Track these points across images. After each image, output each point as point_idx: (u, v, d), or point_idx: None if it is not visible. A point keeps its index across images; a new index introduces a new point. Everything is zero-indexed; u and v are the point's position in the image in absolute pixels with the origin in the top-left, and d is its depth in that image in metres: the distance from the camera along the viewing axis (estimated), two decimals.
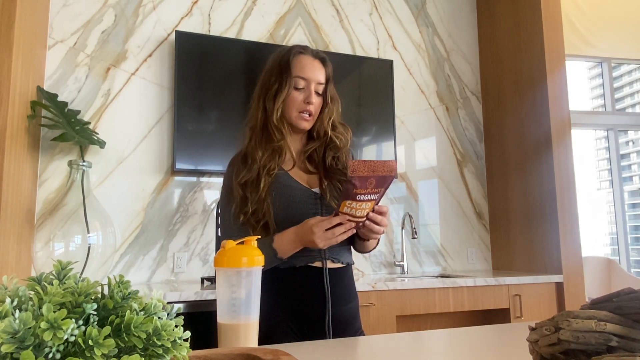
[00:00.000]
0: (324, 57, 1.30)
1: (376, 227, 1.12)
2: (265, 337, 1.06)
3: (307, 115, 1.25)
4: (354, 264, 1.31)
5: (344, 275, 1.25)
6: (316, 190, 1.24)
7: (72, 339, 0.37)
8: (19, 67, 1.91)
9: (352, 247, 1.32)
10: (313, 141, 1.31)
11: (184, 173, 2.42)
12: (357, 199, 1.05)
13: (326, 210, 1.22)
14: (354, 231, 1.10)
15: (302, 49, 1.29)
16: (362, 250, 1.31)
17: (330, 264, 1.21)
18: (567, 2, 3.30)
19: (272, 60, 1.30)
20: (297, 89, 1.25)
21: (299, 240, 1.13)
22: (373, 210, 1.10)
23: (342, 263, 1.25)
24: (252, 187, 1.19)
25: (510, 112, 2.93)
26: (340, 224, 1.08)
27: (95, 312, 0.41)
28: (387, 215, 1.15)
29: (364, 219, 1.09)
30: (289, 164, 1.26)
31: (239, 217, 1.18)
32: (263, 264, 0.84)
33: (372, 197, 1.06)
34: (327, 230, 1.08)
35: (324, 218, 1.10)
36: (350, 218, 1.08)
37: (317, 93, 1.27)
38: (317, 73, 1.26)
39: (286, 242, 1.14)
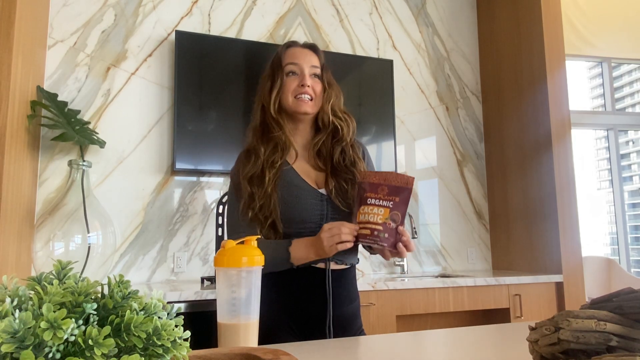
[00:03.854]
0: (314, 45, 1.31)
1: (402, 248, 1.08)
2: (266, 336, 1.06)
3: (306, 98, 1.23)
4: (358, 262, 1.31)
5: (347, 277, 1.24)
6: (323, 190, 1.22)
7: (72, 338, 0.37)
8: (19, 67, 1.91)
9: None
10: (320, 133, 1.29)
11: (184, 173, 2.42)
12: (368, 202, 1.06)
13: (332, 211, 1.21)
14: (351, 244, 1.08)
15: (290, 43, 1.31)
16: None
17: (333, 266, 1.20)
18: (567, 2, 3.29)
19: (268, 63, 1.32)
20: (290, 75, 1.25)
21: (313, 246, 1.12)
22: (395, 222, 1.06)
23: (346, 264, 1.24)
24: (257, 181, 1.18)
25: (510, 112, 2.93)
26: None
27: (95, 312, 0.41)
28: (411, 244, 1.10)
29: (380, 226, 1.06)
30: (293, 158, 1.25)
31: (247, 213, 1.17)
32: (263, 263, 0.84)
33: (386, 203, 1.06)
34: (334, 235, 1.07)
35: (337, 224, 1.09)
36: (364, 225, 1.07)
37: (315, 75, 1.26)
38: (308, 58, 1.26)
39: (303, 246, 1.14)
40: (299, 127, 1.29)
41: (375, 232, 1.06)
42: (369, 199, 1.06)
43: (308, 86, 1.23)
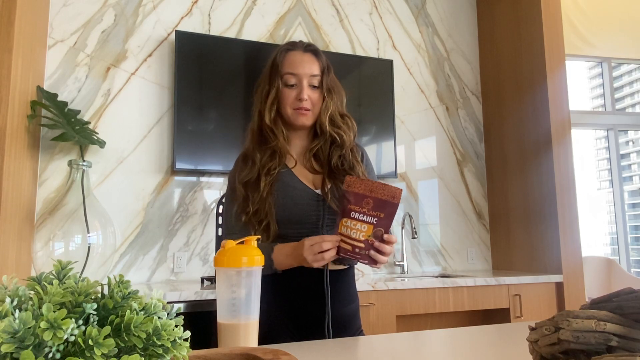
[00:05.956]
0: (315, 49, 1.27)
1: (380, 257, 1.05)
2: (265, 336, 1.06)
3: (304, 111, 1.22)
4: (356, 263, 1.30)
5: (345, 277, 1.24)
6: (320, 191, 1.21)
7: (72, 338, 0.37)
8: (19, 67, 1.91)
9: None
10: (318, 138, 1.27)
11: (184, 173, 2.42)
12: (351, 216, 1.02)
13: (328, 212, 1.20)
14: (334, 252, 1.04)
15: (290, 46, 1.27)
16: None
17: (331, 266, 1.20)
18: (567, 2, 3.29)
19: (268, 62, 1.29)
20: (288, 85, 1.22)
21: (295, 257, 1.11)
22: (377, 239, 1.03)
23: (345, 265, 1.23)
24: (253, 186, 1.18)
25: (510, 112, 2.93)
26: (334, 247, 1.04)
27: (95, 312, 0.41)
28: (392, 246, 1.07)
29: (362, 244, 1.02)
30: (291, 163, 1.25)
31: (241, 217, 1.17)
32: (263, 263, 0.84)
33: (369, 219, 1.01)
34: (317, 253, 1.05)
35: (317, 240, 1.06)
36: (346, 239, 1.03)
37: (313, 86, 1.23)
38: (307, 66, 1.23)
39: (284, 256, 1.13)
40: (297, 132, 1.28)
41: (357, 250, 1.03)
42: (352, 212, 1.02)
43: (306, 99, 1.21)
